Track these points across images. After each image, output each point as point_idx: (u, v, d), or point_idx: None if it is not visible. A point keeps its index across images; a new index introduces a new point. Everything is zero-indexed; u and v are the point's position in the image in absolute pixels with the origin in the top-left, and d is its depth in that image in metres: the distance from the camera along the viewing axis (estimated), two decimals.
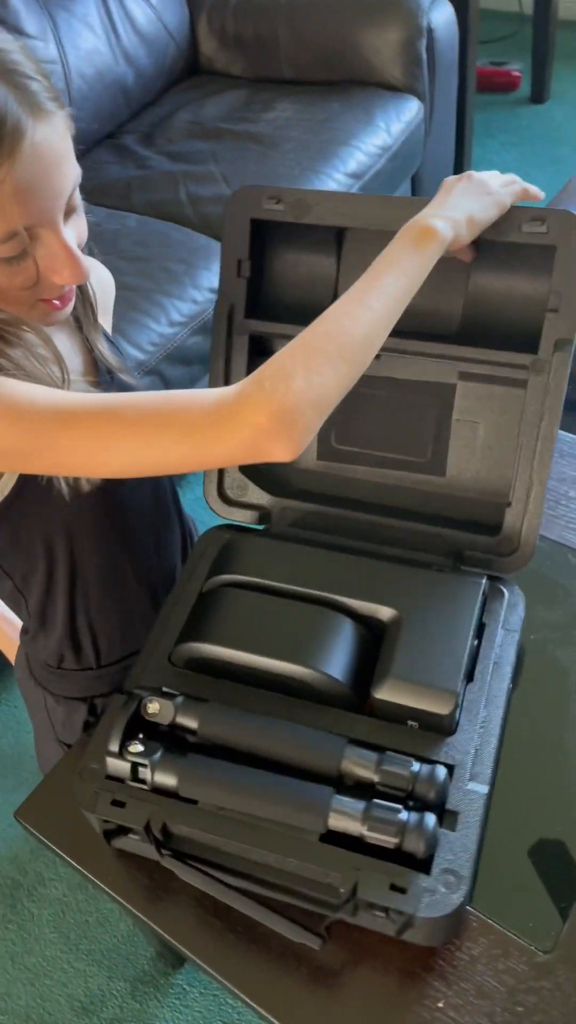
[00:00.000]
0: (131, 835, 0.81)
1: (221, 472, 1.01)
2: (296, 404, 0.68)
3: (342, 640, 0.85)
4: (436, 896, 0.72)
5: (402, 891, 0.72)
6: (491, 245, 0.91)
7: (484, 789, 0.78)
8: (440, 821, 0.76)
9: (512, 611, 0.90)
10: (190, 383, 1.90)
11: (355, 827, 0.75)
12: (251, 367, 0.96)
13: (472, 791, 0.78)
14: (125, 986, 1.46)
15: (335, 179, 2.09)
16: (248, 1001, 0.77)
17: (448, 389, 0.98)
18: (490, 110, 3.24)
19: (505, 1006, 0.74)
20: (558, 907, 0.79)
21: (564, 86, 3.34)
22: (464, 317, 0.98)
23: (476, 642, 0.87)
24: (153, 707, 0.82)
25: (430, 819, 0.74)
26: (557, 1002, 0.74)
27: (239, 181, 2.06)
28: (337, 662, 0.83)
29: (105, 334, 0.94)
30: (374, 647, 0.87)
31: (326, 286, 1.02)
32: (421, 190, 2.50)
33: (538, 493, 0.91)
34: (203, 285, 1.90)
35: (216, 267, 1.80)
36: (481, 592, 0.87)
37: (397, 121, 2.26)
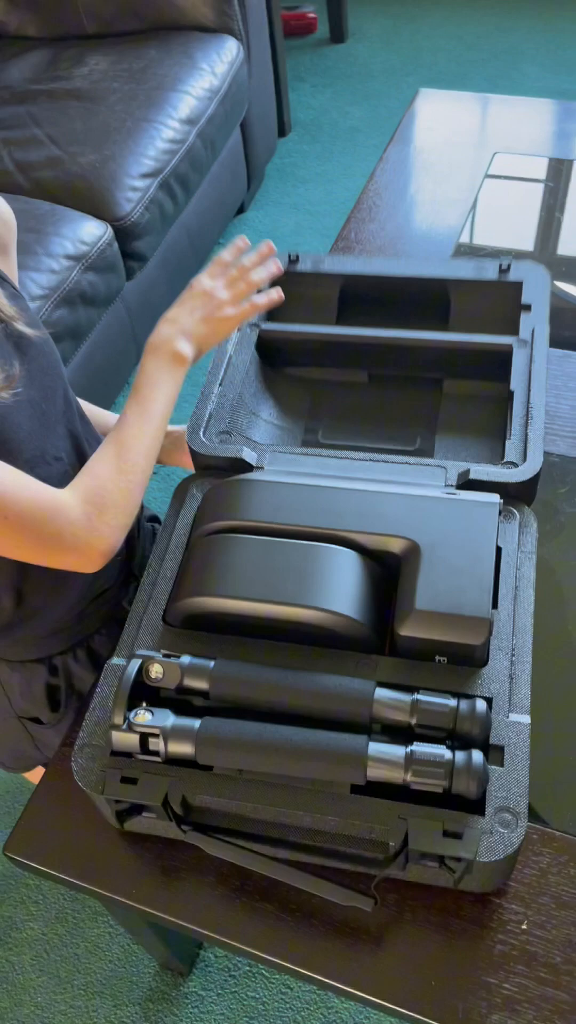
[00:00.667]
0: (146, 813, 0.73)
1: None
2: (117, 542, 0.81)
3: (355, 577, 0.78)
4: (494, 837, 0.66)
5: (457, 836, 0.66)
6: None
7: (526, 719, 0.72)
8: (486, 758, 0.70)
9: (526, 532, 0.85)
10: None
11: (397, 775, 0.68)
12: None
13: (515, 722, 0.72)
14: (135, 1010, 1.32)
15: (170, 127, 1.99)
16: (311, 975, 0.70)
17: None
18: (295, 55, 3.24)
19: None
20: None
21: (359, 23, 3.40)
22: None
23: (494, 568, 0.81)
24: (156, 670, 0.74)
25: (479, 756, 0.68)
26: None
27: (68, 140, 1.94)
28: (353, 601, 0.76)
29: (3, 277, 0.85)
30: (389, 583, 0.80)
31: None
32: (251, 139, 2.41)
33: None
34: (57, 253, 1.75)
35: (68, 231, 1.74)
36: (497, 512, 0.80)
37: (220, 62, 2.18)
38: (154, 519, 1.17)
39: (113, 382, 2.02)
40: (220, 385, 0.98)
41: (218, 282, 0.91)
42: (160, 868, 0.76)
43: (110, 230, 1.85)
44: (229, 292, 0.91)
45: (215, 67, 2.16)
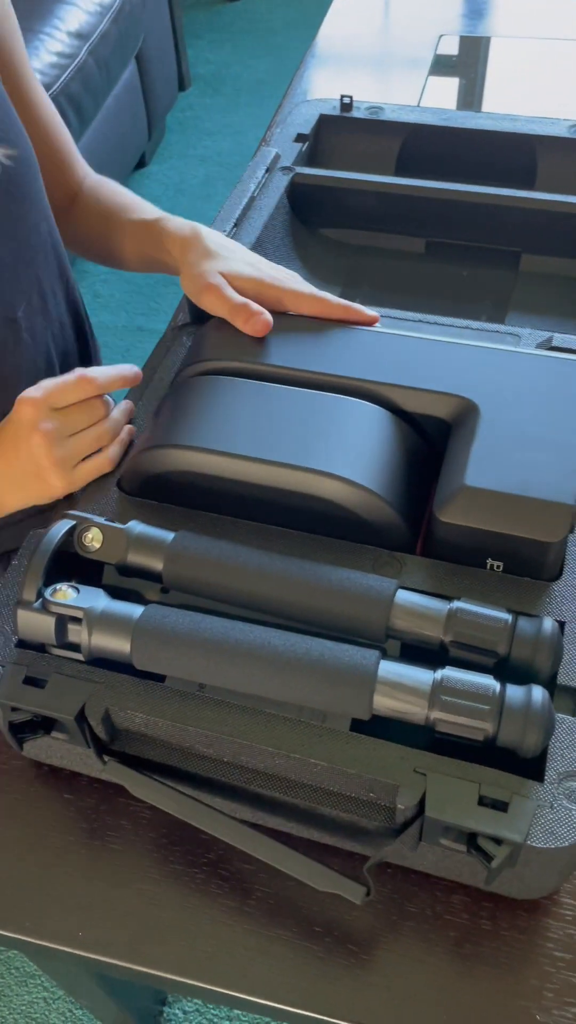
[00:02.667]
0: (55, 734, 0.51)
1: None
2: None
3: (382, 442, 0.56)
4: (556, 813, 0.44)
5: (501, 807, 0.44)
6: None
7: None
8: (551, 701, 0.47)
9: None
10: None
11: (419, 709, 0.46)
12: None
13: None
14: None
15: (58, 39, 1.75)
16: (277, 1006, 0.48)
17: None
18: (189, 12, 3.01)
19: None
20: None
21: None
22: None
23: None
24: (91, 537, 0.53)
25: (539, 693, 0.45)
26: None
27: None
28: (374, 471, 0.54)
29: None
30: (432, 461, 0.58)
31: None
32: (148, 76, 2.18)
33: None
34: None
35: None
36: None
37: None
38: None
39: None
40: (235, 226, 0.77)
41: (54, 423, 0.59)
42: (66, 865, 0.54)
43: None
44: (71, 442, 0.60)
45: None
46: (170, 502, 0.58)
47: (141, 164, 2.34)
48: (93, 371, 0.60)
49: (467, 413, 0.56)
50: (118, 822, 0.54)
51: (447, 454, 0.56)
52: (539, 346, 0.64)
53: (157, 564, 0.53)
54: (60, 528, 0.53)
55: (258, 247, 0.77)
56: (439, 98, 1.12)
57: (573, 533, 0.53)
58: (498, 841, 0.43)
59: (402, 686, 0.46)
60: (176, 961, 0.50)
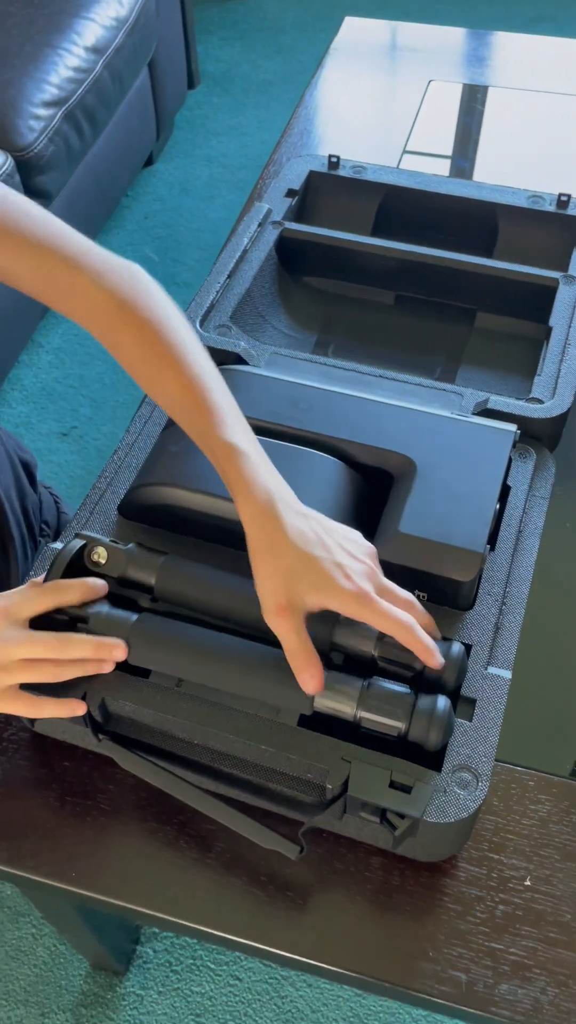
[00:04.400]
0: None
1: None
2: None
3: (335, 488, 0.68)
4: (447, 797, 0.57)
5: (406, 790, 0.57)
6: None
7: (507, 674, 0.63)
8: (454, 708, 0.60)
9: (542, 476, 0.75)
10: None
11: (348, 708, 0.58)
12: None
13: (493, 675, 0.62)
14: (66, 1018, 1.15)
15: (75, 54, 1.82)
16: (232, 939, 0.61)
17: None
18: (201, 8, 3.07)
19: None
20: None
21: None
22: None
23: (499, 506, 0.71)
24: (99, 554, 0.65)
25: (443, 701, 0.58)
26: None
27: None
28: (327, 511, 0.66)
29: None
30: (376, 504, 0.71)
31: None
32: (160, 83, 2.25)
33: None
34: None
35: None
36: (512, 442, 0.71)
37: None
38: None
39: (17, 333, 1.86)
40: (229, 277, 0.89)
41: (17, 633, 0.61)
42: (62, 817, 0.66)
43: (11, 161, 1.67)
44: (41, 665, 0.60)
45: None
46: (162, 528, 0.70)
47: (149, 161, 2.43)
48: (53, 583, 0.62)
49: (407, 468, 0.69)
50: (106, 786, 0.67)
51: (389, 501, 0.69)
52: (477, 406, 0.76)
53: (150, 579, 0.65)
54: (74, 546, 0.65)
55: (248, 296, 0.88)
56: (425, 143, 1.23)
57: (482, 574, 0.66)
58: (402, 816, 0.56)
59: (337, 689, 0.59)
60: (150, 899, 0.62)
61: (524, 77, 1.36)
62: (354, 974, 0.60)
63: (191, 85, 2.63)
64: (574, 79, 1.35)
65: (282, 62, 2.81)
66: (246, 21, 3.02)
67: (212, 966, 1.17)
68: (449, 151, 1.23)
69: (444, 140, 1.25)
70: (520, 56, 1.42)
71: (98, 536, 0.66)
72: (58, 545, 0.67)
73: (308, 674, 0.57)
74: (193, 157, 2.48)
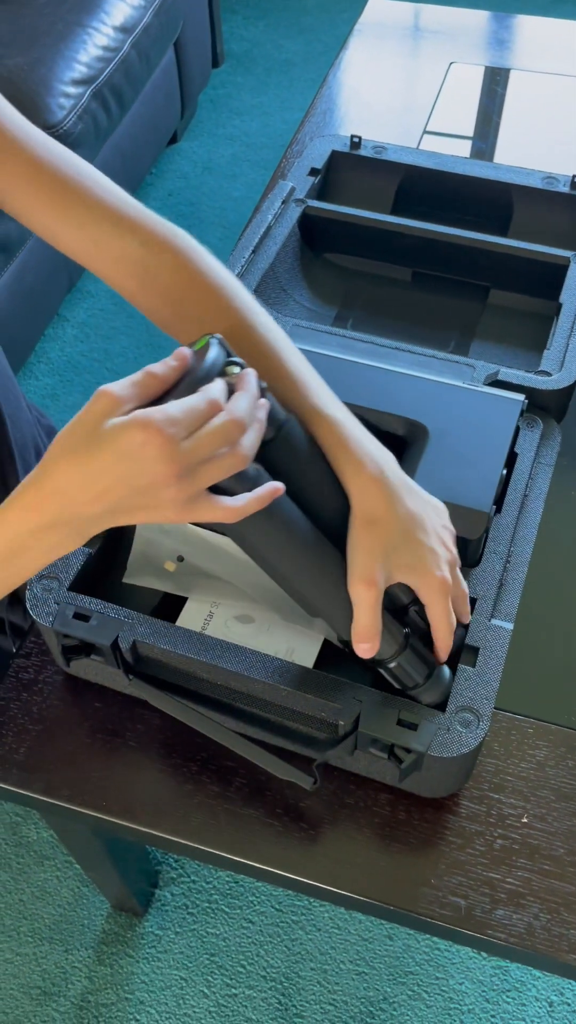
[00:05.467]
0: (94, 657, 0.69)
1: None
2: None
3: None
4: (451, 734, 0.62)
5: (412, 726, 0.61)
6: None
7: (508, 625, 0.67)
8: (459, 656, 0.65)
9: (548, 445, 0.79)
10: None
11: (385, 656, 0.63)
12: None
13: (496, 626, 0.67)
14: (88, 954, 1.22)
15: (104, 33, 1.84)
16: (255, 865, 0.66)
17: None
18: None
19: None
20: None
21: None
22: None
23: (505, 472, 0.75)
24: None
25: (447, 672, 0.63)
26: None
27: None
28: None
29: None
30: None
31: None
32: (185, 63, 2.27)
33: None
34: None
35: None
36: (519, 411, 0.75)
37: None
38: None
39: (44, 307, 1.89)
40: (253, 252, 0.93)
41: (163, 424, 0.48)
42: (94, 753, 0.72)
43: None
44: (188, 453, 0.49)
45: None
46: None
47: (173, 140, 2.47)
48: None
49: (419, 433, 0.73)
50: (135, 725, 0.72)
51: (402, 464, 0.73)
52: (488, 377, 0.81)
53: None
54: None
55: (271, 271, 0.93)
56: (445, 124, 1.27)
57: (488, 533, 0.71)
58: (408, 750, 0.61)
59: (390, 631, 0.62)
60: (176, 828, 0.68)
61: (544, 60, 1.39)
62: (362, 898, 0.65)
63: (215, 64, 2.65)
64: None
65: (304, 42, 2.83)
66: (270, 0, 3.04)
67: (227, 909, 1.24)
68: (470, 132, 1.27)
69: (464, 122, 1.28)
70: (541, 39, 1.44)
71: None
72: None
73: (368, 645, 0.59)
74: (216, 136, 2.51)
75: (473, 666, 0.65)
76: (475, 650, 0.66)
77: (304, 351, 0.78)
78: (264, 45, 2.83)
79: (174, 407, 0.49)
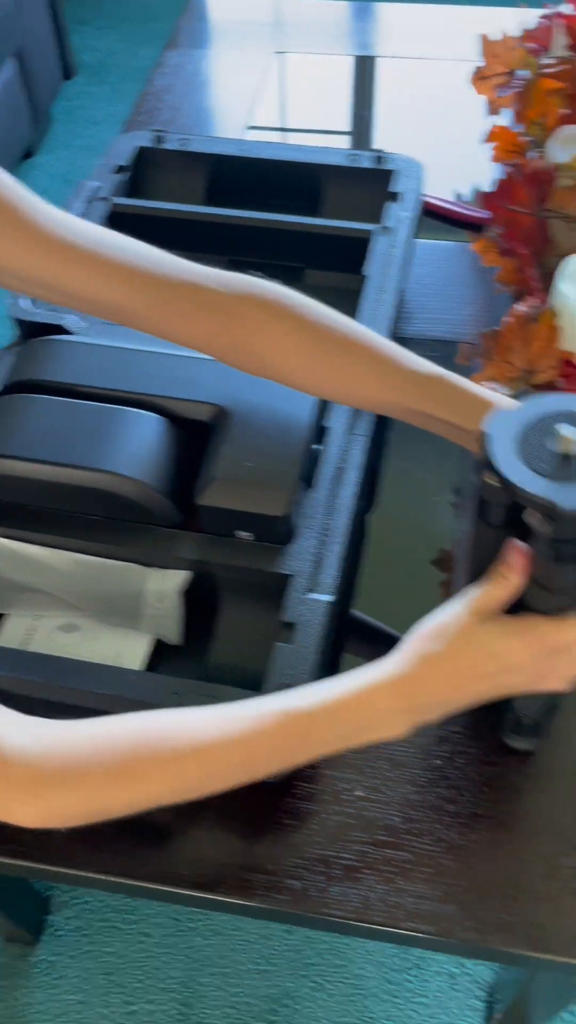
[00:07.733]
0: None
1: None
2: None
3: (154, 443, 0.71)
4: None
5: None
6: None
7: (326, 599, 0.67)
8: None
9: (361, 415, 0.79)
10: None
11: None
12: None
13: (313, 600, 0.66)
14: None
15: None
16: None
17: None
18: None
19: (423, 767, 0.68)
20: None
21: None
22: None
23: (319, 447, 0.75)
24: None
25: None
26: (471, 741, 0.69)
27: None
28: (147, 466, 0.70)
29: None
30: (199, 455, 0.74)
31: None
32: (29, 70, 2.23)
33: None
34: None
35: None
36: None
37: None
38: None
39: None
40: None
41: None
42: None
43: None
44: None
45: None
46: None
47: (28, 155, 2.42)
48: None
49: (222, 418, 0.72)
50: None
51: (207, 450, 0.72)
52: None
53: None
54: None
55: None
56: (270, 118, 1.27)
57: (296, 509, 0.70)
58: None
59: None
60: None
61: (317, 42, 1.41)
62: (200, 895, 0.63)
63: (67, 76, 2.62)
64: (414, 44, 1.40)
65: (157, 48, 2.80)
66: (120, 10, 3.02)
67: (122, 926, 1.21)
68: (296, 124, 1.27)
69: (292, 114, 1.29)
70: (316, 23, 1.46)
71: None
72: None
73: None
74: (73, 147, 2.47)
75: (290, 643, 0.64)
76: (290, 626, 0.65)
77: (98, 345, 0.76)
78: (118, 54, 2.80)
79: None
